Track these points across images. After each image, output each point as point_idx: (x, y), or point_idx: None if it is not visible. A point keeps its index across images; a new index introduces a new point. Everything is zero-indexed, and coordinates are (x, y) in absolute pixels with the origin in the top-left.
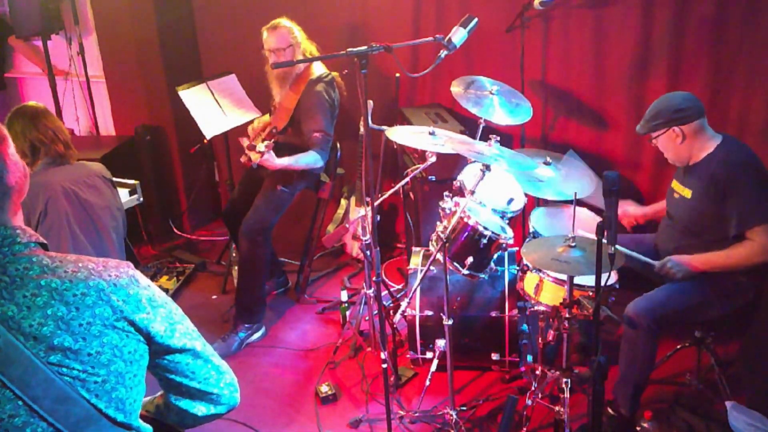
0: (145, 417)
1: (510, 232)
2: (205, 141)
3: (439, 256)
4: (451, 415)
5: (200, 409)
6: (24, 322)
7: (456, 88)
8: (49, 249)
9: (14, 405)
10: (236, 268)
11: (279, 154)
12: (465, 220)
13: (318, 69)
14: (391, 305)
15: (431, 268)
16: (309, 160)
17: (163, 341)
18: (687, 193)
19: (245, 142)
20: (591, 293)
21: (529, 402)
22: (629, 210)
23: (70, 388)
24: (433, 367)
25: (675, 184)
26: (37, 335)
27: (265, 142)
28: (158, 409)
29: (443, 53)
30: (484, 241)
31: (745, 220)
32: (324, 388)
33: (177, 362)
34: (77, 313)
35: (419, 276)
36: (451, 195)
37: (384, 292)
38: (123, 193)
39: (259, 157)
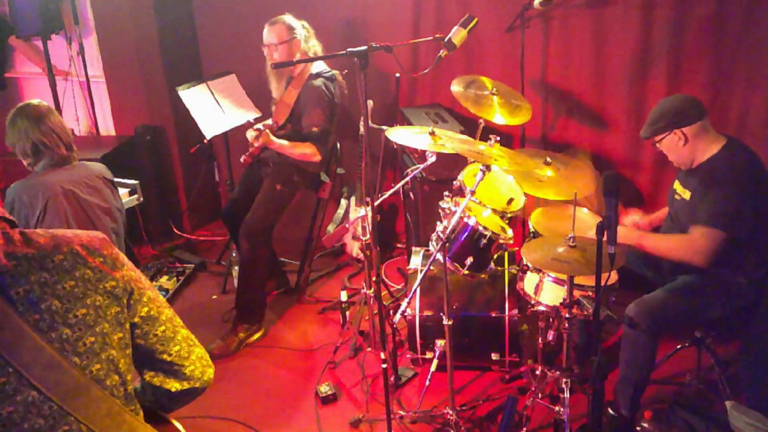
0: None
1: (510, 232)
2: (205, 141)
3: (439, 256)
4: (451, 415)
5: (173, 384)
6: (10, 290)
7: (456, 88)
8: (18, 226)
9: (4, 371)
10: (236, 268)
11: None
12: (465, 220)
13: (319, 66)
14: (391, 305)
15: (431, 268)
16: (306, 150)
17: (135, 304)
18: (687, 194)
19: (251, 134)
20: (591, 293)
21: (529, 402)
22: (636, 219)
23: (60, 354)
24: (433, 367)
25: (677, 185)
26: (24, 302)
27: (264, 122)
28: (136, 392)
29: (443, 53)
30: (484, 241)
31: (701, 213)
32: (324, 388)
33: (146, 333)
34: (59, 277)
35: (419, 276)
36: (451, 195)
37: (384, 292)
38: (123, 193)
39: (255, 134)
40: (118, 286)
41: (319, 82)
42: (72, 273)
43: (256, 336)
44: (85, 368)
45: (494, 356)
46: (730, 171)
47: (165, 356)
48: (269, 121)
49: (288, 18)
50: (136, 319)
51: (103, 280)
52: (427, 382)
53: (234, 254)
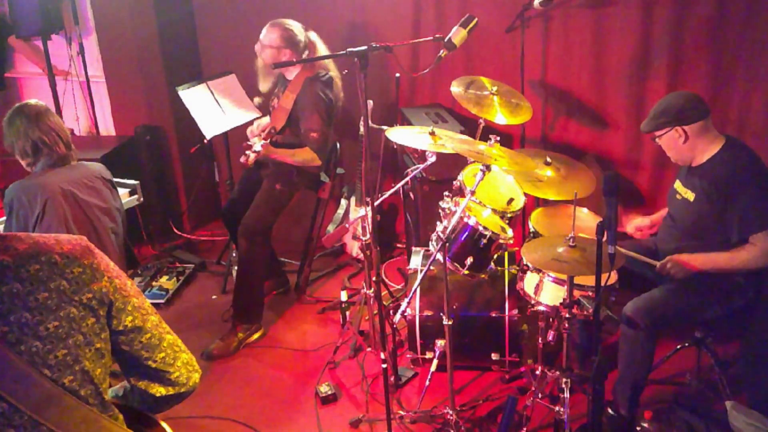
0: (115, 404)
1: (510, 232)
2: (205, 141)
3: (439, 256)
4: (451, 415)
5: (158, 390)
6: None
7: (456, 88)
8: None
9: None
10: (236, 268)
11: None
12: (465, 220)
13: (316, 68)
14: (391, 305)
15: (431, 268)
16: (306, 156)
17: (117, 314)
18: (690, 195)
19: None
20: (591, 293)
21: (529, 402)
22: (636, 222)
23: (30, 366)
24: (433, 367)
25: (678, 185)
26: None
27: (262, 142)
28: (125, 392)
29: (443, 53)
30: (484, 241)
31: (747, 225)
32: (324, 388)
33: (131, 340)
34: (32, 288)
35: (419, 276)
36: (451, 195)
37: (384, 292)
38: (123, 193)
39: (254, 156)
40: (95, 298)
41: (317, 86)
42: (47, 284)
43: (256, 336)
44: (56, 380)
45: (494, 356)
46: (743, 172)
47: (150, 363)
48: (265, 120)
49: (291, 26)
50: (121, 328)
51: (79, 292)
52: (427, 382)
53: (234, 254)
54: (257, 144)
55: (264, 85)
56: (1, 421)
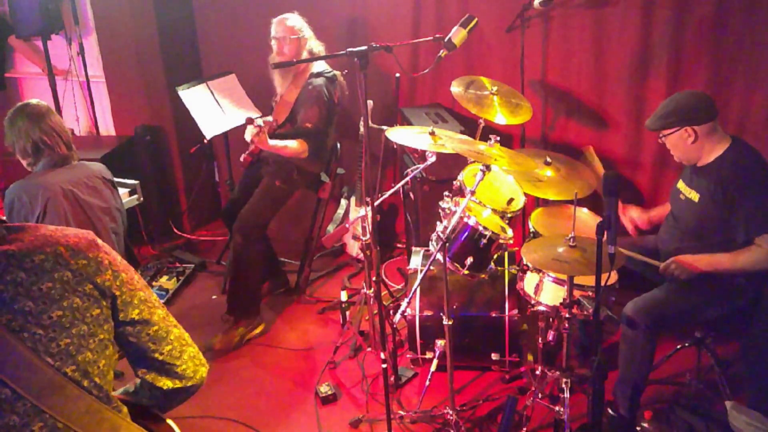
0: (126, 402)
1: (510, 232)
2: (205, 141)
3: (439, 256)
4: (451, 415)
5: (165, 383)
6: None
7: (456, 88)
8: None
9: None
10: (229, 262)
11: None
12: (465, 220)
13: (320, 65)
14: (391, 305)
15: (431, 268)
16: (296, 148)
17: (124, 306)
18: (694, 195)
19: (250, 131)
20: (591, 293)
21: (529, 402)
22: (634, 216)
23: (33, 354)
24: (433, 367)
25: (681, 186)
26: None
27: (264, 118)
28: (135, 388)
29: (443, 53)
30: (484, 241)
31: (753, 226)
32: (324, 388)
33: (138, 331)
34: (36, 278)
35: (419, 276)
36: (451, 195)
37: (384, 292)
38: (123, 193)
39: (256, 131)
40: (97, 289)
41: (320, 81)
42: (51, 274)
43: (258, 330)
44: (59, 369)
45: (494, 356)
46: (749, 173)
47: (157, 355)
48: (269, 118)
49: (296, 16)
50: (128, 320)
51: (82, 283)
52: (427, 382)
53: None
54: (259, 119)
55: (282, 86)
56: (4, 407)
